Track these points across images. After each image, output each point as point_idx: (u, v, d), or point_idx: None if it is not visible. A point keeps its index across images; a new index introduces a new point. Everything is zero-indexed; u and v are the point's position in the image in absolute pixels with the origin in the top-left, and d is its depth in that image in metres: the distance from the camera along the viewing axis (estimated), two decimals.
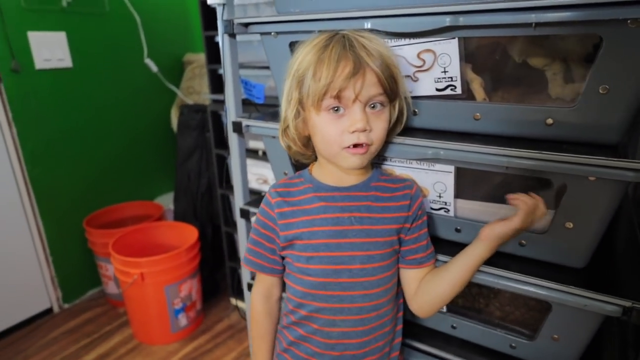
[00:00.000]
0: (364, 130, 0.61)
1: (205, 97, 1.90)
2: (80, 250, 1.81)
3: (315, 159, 0.73)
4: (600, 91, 0.56)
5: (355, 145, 0.62)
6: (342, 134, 0.61)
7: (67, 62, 1.66)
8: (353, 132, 0.61)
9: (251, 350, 0.73)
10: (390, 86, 0.62)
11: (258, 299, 0.77)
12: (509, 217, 0.61)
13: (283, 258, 0.72)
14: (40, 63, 1.58)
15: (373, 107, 0.62)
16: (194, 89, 2.06)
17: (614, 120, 0.57)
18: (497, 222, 0.62)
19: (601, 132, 0.58)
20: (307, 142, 0.70)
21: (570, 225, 0.61)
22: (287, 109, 0.66)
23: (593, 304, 0.59)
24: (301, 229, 0.67)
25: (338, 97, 0.59)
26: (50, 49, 1.60)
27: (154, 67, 1.94)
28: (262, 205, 0.72)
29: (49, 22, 1.59)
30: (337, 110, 0.61)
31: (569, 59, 0.66)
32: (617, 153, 0.56)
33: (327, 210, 0.67)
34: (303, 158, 0.74)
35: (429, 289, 0.69)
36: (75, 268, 1.81)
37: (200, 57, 2.00)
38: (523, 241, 0.67)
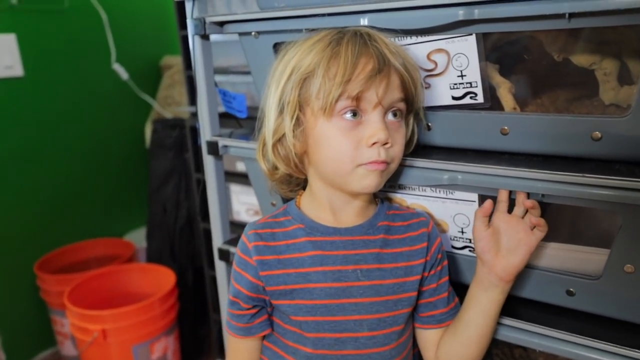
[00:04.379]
0: (386, 144, 0.60)
1: (183, 109, 1.94)
2: (30, 302, 1.82)
3: (303, 187, 0.72)
4: None
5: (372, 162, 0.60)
6: (357, 148, 0.60)
7: (17, 71, 1.71)
8: (372, 144, 0.59)
9: None
10: (413, 92, 0.63)
11: None
12: (516, 249, 0.63)
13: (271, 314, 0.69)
14: None
15: (394, 114, 0.62)
16: (174, 99, 2.11)
17: None
18: (512, 258, 0.63)
19: None
20: (301, 161, 0.67)
21: (630, 268, 0.60)
22: (278, 118, 0.64)
23: None
24: (290, 286, 0.64)
25: (357, 99, 0.59)
26: None
27: (124, 74, 2.00)
28: (237, 251, 0.68)
29: None
30: (354, 115, 0.60)
31: (625, 54, 0.65)
32: None
33: (326, 262, 0.65)
34: (287, 189, 0.73)
35: (451, 353, 0.67)
36: (23, 325, 1.82)
37: (181, 61, 2.05)
38: (572, 289, 0.66)
